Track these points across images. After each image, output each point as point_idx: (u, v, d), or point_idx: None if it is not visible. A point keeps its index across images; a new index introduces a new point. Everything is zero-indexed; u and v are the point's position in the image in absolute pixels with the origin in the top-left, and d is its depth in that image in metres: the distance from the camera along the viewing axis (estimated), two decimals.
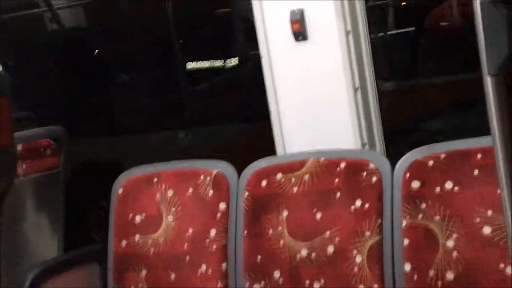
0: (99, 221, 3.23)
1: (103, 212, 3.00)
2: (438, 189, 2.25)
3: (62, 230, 3.00)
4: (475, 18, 1.21)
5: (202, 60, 4.03)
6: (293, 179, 2.48)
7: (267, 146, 2.77)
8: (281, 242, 2.45)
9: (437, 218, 2.23)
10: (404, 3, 3.59)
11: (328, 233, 2.39)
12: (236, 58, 3.86)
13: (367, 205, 2.34)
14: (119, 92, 4.47)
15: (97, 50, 4.41)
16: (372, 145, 2.57)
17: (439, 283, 2.20)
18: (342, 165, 2.42)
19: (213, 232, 2.58)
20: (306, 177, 2.46)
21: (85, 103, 4.31)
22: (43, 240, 2.95)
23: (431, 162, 2.28)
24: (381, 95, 2.68)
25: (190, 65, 3.97)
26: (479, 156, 2.21)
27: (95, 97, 4.34)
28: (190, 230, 2.62)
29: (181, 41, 4.15)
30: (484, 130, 1.34)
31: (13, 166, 0.89)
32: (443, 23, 3.29)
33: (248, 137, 3.79)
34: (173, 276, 2.63)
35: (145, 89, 4.49)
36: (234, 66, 3.86)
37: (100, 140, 4.18)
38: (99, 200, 3.43)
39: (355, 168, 2.39)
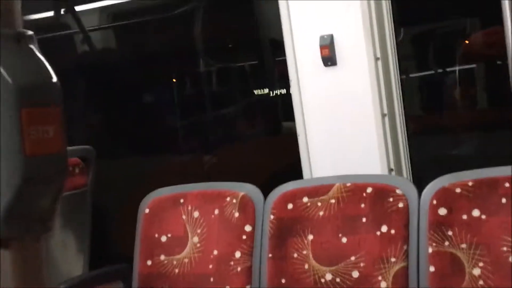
0: None
1: None
2: (465, 216, 2.24)
3: (88, 248, 3.02)
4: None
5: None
6: (319, 203, 2.48)
7: None
8: (306, 265, 2.45)
9: (463, 245, 2.22)
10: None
11: (353, 258, 2.39)
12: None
13: (393, 231, 2.34)
14: (146, 114, 4.52)
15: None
16: (399, 171, 2.58)
17: None
18: (369, 190, 2.42)
19: (238, 254, 2.58)
20: (332, 201, 2.46)
21: (112, 124, 4.37)
22: (69, 257, 2.97)
23: (458, 190, 2.27)
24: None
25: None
26: (506, 184, 2.21)
27: (122, 118, 4.40)
28: (215, 252, 2.62)
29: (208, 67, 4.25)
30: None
31: (64, 172, 0.92)
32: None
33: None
34: None
35: (171, 111, 4.55)
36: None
37: (126, 160, 4.23)
38: None
39: (381, 193, 2.40)
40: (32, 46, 0.87)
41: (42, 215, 0.89)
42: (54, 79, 0.88)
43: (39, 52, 0.87)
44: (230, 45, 4.30)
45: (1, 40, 0.85)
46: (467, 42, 3.48)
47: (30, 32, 0.88)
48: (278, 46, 3.43)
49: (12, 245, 0.86)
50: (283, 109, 4.00)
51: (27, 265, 0.87)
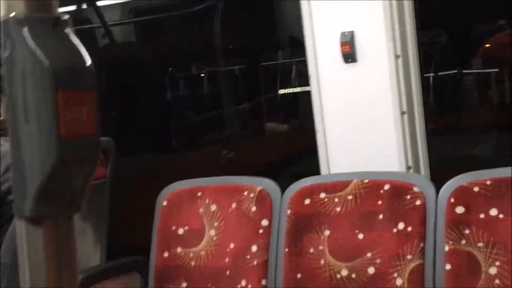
0: None
1: None
2: (482, 215, 2.24)
3: (106, 239, 3.05)
4: None
5: None
6: (337, 199, 2.50)
7: None
8: (322, 261, 2.46)
9: (480, 244, 2.22)
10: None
11: (369, 254, 2.40)
12: None
13: (409, 228, 2.35)
14: (166, 108, 4.57)
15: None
16: (417, 168, 2.58)
17: None
18: (386, 187, 2.43)
19: (254, 248, 2.60)
20: (350, 197, 2.47)
21: (131, 118, 4.42)
22: (87, 248, 2.99)
23: (476, 188, 2.28)
24: None
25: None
26: None
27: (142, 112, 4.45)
28: (232, 245, 2.64)
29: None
30: None
31: (97, 154, 0.94)
32: None
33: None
34: None
35: (191, 106, 4.59)
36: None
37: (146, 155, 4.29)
38: None
39: (399, 190, 2.40)
40: (68, 31, 0.89)
41: (74, 195, 0.91)
42: (89, 63, 0.90)
43: (75, 37, 0.89)
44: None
45: (38, 24, 0.87)
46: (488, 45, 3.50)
47: (66, 17, 0.90)
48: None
49: (44, 223, 0.88)
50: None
51: (59, 244, 0.89)
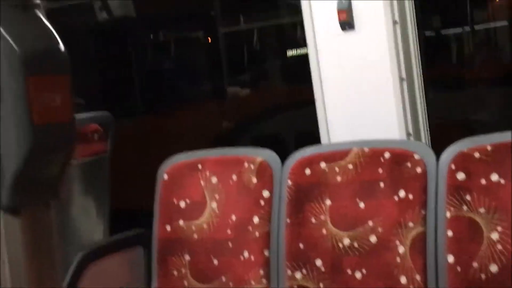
0: None
1: None
2: (483, 181, 2.23)
3: (108, 214, 3.06)
4: None
5: None
6: (337, 169, 2.48)
7: None
8: (324, 230, 2.46)
9: (481, 210, 2.21)
10: None
11: (371, 223, 2.39)
12: None
13: (410, 196, 2.34)
14: (165, 78, 4.58)
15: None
16: (417, 135, 2.56)
17: (483, 275, 2.18)
18: (387, 155, 2.41)
19: (256, 220, 2.60)
20: (350, 166, 2.46)
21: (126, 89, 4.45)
22: (89, 223, 3.01)
23: (476, 154, 2.26)
24: None
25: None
26: None
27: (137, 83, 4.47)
28: (233, 217, 2.64)
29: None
30: None
31: (71, 142, 0.93)
32: None
33: None
34: (215, 261, 2.65)
35: (188, 76, 4.60)
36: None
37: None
38: None
39: (399, 158, 2.39)
40: (39, 14, 0.87)
41: (50, 182, 0.90)
42: (62, 47, 0.88)
43: (46, 20, 0.87)
44: None
45: (7, 8, 0.85)
46: None
47: (37, 0, 0.88)
48: None
49: (22, 212, 0.88)
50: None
51: (37, 233, 0.88)
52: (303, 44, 2.71)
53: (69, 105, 0.87)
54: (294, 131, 4.19)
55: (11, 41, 0.83)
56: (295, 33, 4.18)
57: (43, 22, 0.87)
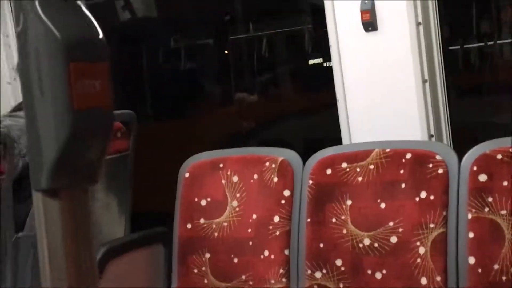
0: None
1: None
2: (505, 183, 2.22)
3: (129, 211, 3.07)
4: None
5: None
6: (358, 169, 2.49)
7: None
8: (344, 230, 2.47)
9: (503, 212, 2.21)
10: None
11: (391, 223, 2.39)
12: None
13: (432, 197, 2.34)
14: (186, 79, 4.60)
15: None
16: (439, 137, 2.56)
17: (504, 277, 2.18)
18: (408, 156, 2.41)
19: (276, 219, 2.61)
20: (371, 167, 2.46)
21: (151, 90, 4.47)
22: (111, 220, 3.03)
23: (499, 156, 2.26)
24: None
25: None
26: None
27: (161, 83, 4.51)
28: (254, 216, 2.65)
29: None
30: None
31: (110, 127, 0.95)
32: None
33: None
34: (236, 260, 2.67)
35: (210, 77, 4.62)
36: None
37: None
38: None
39: (421, 159, 2.39)
40: (79, 3, 0.90)
41: (89, 167, 0.92)
42: (101, 36, 0.90)
43: (86, 10, 0.90)
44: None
45: None
46: None
47: None
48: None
49: (60, 195, 0.89)
50: None
51: (76, 216, 0.90)
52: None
53: (108, 91, 0.89)
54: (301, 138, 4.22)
55: (53, 29, 0.85)
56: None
57: (83, 11, 0.90)
